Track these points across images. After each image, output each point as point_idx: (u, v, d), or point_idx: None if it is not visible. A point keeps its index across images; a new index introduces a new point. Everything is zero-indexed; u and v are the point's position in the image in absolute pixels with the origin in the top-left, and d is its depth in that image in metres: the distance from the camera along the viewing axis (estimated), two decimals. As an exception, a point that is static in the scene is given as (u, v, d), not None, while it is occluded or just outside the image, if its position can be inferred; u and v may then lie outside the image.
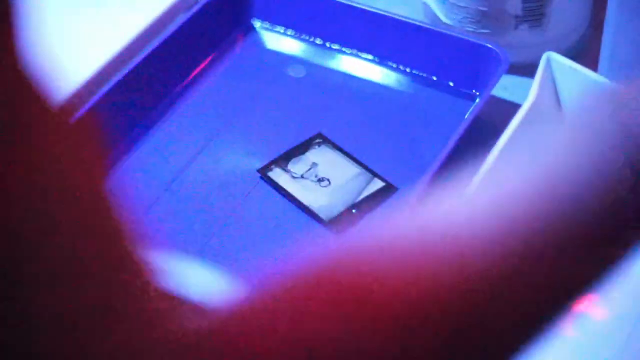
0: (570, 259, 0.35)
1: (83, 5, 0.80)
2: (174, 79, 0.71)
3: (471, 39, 0.68)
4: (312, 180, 0.63)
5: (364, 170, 0.64)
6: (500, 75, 0.65)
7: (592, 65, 0.66)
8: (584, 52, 0.72)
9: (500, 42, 0.69)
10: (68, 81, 0.67)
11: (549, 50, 0.65)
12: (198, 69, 0.72)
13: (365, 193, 0.63)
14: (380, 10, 0.70)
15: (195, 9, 0.72)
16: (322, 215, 0.61)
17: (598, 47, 0.66)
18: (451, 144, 0.61)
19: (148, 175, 0.65)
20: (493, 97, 0.70)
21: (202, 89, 0.71)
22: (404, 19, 0.69)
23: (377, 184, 0.63)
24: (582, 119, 0.39)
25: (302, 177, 0.64)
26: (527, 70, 0.69)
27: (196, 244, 0.60)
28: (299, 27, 0.73)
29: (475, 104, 0.67)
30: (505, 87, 0.71)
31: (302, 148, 0.65)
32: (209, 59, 0.73)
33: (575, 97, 0.64)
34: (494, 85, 0.65)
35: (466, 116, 0.65)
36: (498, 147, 0.59)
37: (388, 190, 0.63)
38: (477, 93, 0.68)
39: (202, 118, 0.69)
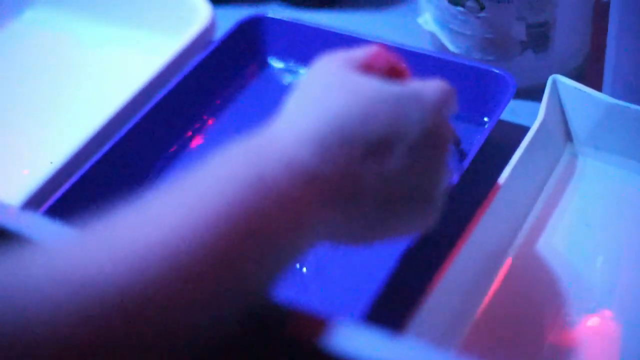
0: None
1: (95, 45, 0.83)
2: (187, 120, 0.73)
3: (478, 65, 0.69)
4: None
5: None
6: (509, 100, 0.66)
7: (597, 85, 0.68)
8: (588, 73, 0.74)
9: (507, 67, 0.71)
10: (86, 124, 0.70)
11: (555, 72, 0.67)
12: (211, 108, 0.74)
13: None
14: (388, 41, 0.72)
15: (208, 51, 0.74)
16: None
17: (601, 68, 0.68)
18: (465, 165, 0.62)
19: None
20: (502, 121, 0.71)
21: (216, 128, 0.73)
22: (413, 49, 0.71)
23: None
24: None
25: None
26: (534, 93, 0.71)
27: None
28: (311, 61, 0.75)
29: (484, 129, 0.68)
30: (513, 110, 0.72)
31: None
32: (223, 97, 0.75)
33: (582, 117, 0.66)
34: (502, 110, 0.66)
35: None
36: (509, 168, 0.61)
37: None
38: (486, 119, 0.70)
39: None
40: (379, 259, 0.60)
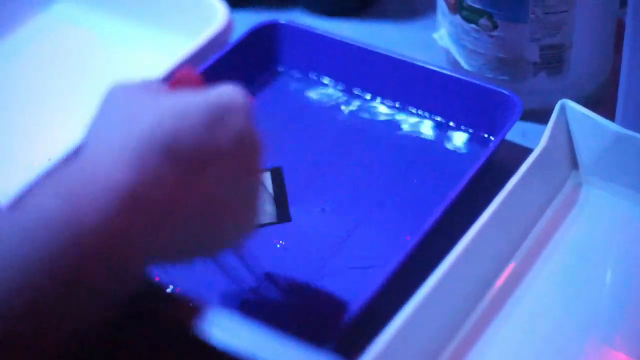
0: None
1: (114, 43, 0.83)
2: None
3: (485, 84, 0.68)
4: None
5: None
6: (514, 121, 0.65)
7: (612, 111, 0.66)
8: (605, 98, 0.72)
9: (519, 88, 0.69)
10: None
11: (570, 96, 0.65)
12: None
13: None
14: (400, 55, 0.71)
15: (219, 55, 0.74)
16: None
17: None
18: (458, 188, 0.61)
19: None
20: (511, 143, 0.70)
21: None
22: (421, 64, 0.70)
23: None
24: None
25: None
26: (547, 116, 0.69)
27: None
28: (322, 72, 0.75)
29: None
30: (523, 132, 0.70)
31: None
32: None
33: (589, 145, 0.64)
34: (507, 131, 0.65)
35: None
36: (504, 192, 0.59)
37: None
38: (492, 139, 0.68)
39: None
40: (361, 281, 0.59)
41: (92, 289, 0.41)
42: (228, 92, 0.48)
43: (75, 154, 0.45)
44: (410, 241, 0.58)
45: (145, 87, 0.48)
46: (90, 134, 0.46)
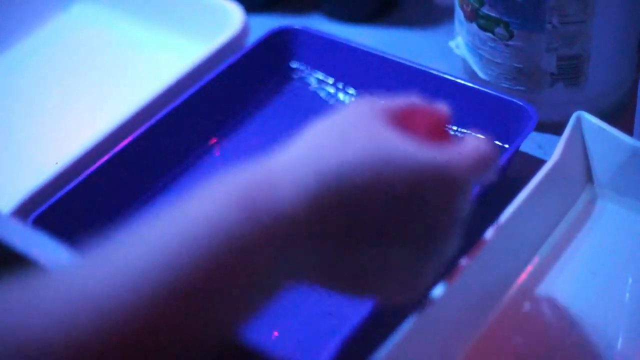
0: None
1: (131, 45, 0.83)
2: (208, 128, 0.72)
3: (500, 95, 0.66)
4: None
5: None
6: (528, 133, 0.64)
7: (631, 124, 0.64)
8: (626, 112, 0.70)
9: (536, 99, 0.68)
10: (106, 122, 0.70)
11: (588, 108, 0.64)
12: (232, 117, 0.74)
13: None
14: (414, 63, 0.70)
15: (234, 59, 0.73)
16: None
17: (637, 107, 0.64)
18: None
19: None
20: (526, 154, 0.68)
21: (238, 137, 0.72)
22: (435, 72, 0.69)
23: None
24: None
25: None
26: (564, 128, 0.68)
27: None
28: (337, 78, 0.74)
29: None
30: (539, 144, 0.69)
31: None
32: (247, 106, 0.74)
33: (605, 158, 0.63)
34: (521, 142, 0.64)
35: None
36: (514, 205, 0.58)
37: None
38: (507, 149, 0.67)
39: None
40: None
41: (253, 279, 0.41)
42: (462, 158, 0.45)
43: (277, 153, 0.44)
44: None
45: (384, 111, 0.45)
46: (304, 134, 0.45)
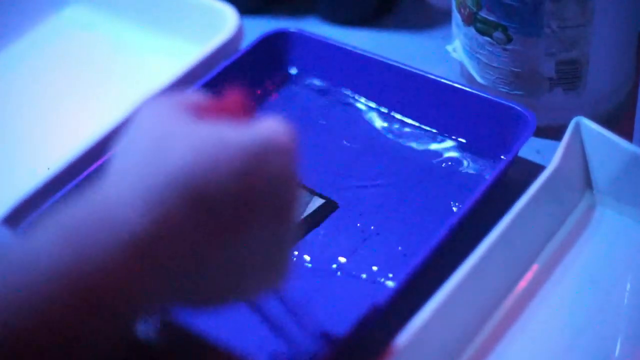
0: None
1: (124, 48, 0.82)
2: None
3: (498, 100, 0.66)
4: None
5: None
6: (527, 138, 0.63)
7: (631, 129, 0.64)
8: (625, 117, 0.69)
9: (534, 104, 0.67)
10: (103, 125, 0.69)
11: (587, 113, 0.63)
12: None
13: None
14: (410, 66, 0.70)
15: (228, 62, 0.72)
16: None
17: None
18: (468, 204, 0.59)
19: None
20: (524, 160, 0.68)
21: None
22: (431, 76, 0.68)
23: (317, 202, 0.65)
24: None
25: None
26: (564, 134, 0.67)
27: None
28: (332, 81, 0.73)
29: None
30: (538, 150, 0.68)
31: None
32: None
33: (604, 165, 0.62)
34: (519, 147, 0.63)
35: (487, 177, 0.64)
36: (515, 210, 0.57)
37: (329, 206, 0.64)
38: (504, 156, 0.66)
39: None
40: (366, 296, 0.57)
41: (83, 337, 0.38)
42: (273, 129, 0.43)
43: (100, 183, 0.41)
44: (417, 259, 0.56)
45: (183, 107, 0.43)
46: (114, 160, 0.42)
